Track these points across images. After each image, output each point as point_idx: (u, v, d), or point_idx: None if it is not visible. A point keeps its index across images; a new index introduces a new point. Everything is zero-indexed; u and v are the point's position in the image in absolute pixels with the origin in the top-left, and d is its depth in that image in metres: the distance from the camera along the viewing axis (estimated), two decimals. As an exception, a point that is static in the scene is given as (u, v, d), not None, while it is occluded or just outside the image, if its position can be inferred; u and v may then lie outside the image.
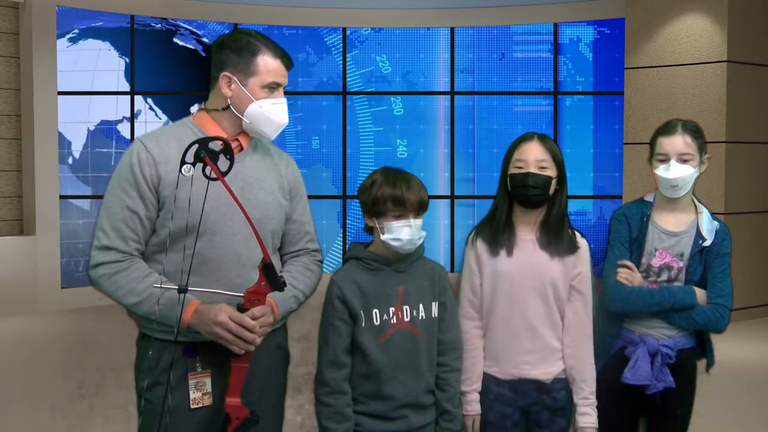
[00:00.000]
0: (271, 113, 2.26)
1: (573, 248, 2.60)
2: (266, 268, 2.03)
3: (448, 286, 2.54)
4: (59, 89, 7.71)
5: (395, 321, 2.42)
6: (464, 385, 2.56)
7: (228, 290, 2.15)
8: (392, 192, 2.38)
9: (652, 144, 2.77)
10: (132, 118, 8.18)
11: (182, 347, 2.19)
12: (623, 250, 2.76)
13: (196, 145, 2.02)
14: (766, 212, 7.49)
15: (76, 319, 7.15)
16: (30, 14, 7.50)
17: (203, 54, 8.45)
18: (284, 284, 2.06)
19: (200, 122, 2.29)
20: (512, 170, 2.59)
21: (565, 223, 2.62)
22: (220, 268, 2.20)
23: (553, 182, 2.58)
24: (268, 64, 2.26)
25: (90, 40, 7.99)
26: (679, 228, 2.76)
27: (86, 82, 8.01)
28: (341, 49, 8.74)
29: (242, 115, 2.25)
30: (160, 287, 2.09)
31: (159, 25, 8.29)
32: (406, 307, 2.43)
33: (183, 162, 2.02)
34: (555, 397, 2.59)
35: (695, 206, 2.79)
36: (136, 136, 7.55)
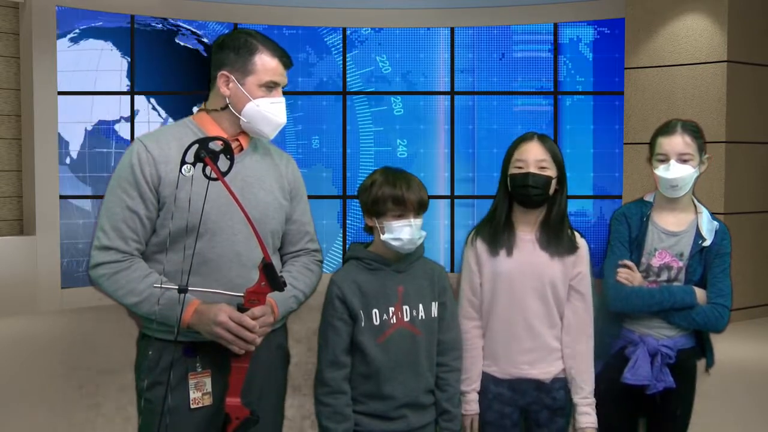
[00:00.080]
0: (269, 112, 2.26)
1: (573, 248, 2.60)
2: (266, 268, 2.03)
3: (448, 286, 2.54)
4: (61, 89, 7.71)
5: (395, 321, 2.42)
6: (463, 385, 2.56)
7: (228, 290, 2.15)
8: (392, 192, 2.39)
9: (652, 144, 2.77)
10: (132, 118, 8.18)
11: (182, 347, 2.19)
12: (623, 250, 2.76)
13: (196, 145, 2.02)
14: (766, 212, 7.48)
15: (76, 319, 7.14)
16: (30, 14, 7.49)
17: (204, 54, 8.45)
18: (284, 284, 2.06)
19: (200, 122, 2.29)
20: (512, 170, 2.59)
21: (565, 223, 2.63)
22: (220, 268, 2.20)
23: (553, 182, 2.58)
24: (265, 63, 2.26)
25: (92, 40, 7.98)
26: (679, 228, 2.76)
27: (89, 82, 8.01)
28: (341, 49, 8.74)
29: (240, 114, 2.25)
30: (160, 287, 2.09)
31: (160, 25, 8.29)
32: (405, 307, 2.44)
33: (183, 162, 2.02)
34: (554, 397, 2.60)
35: (695, 206, 2.80)
36: (136, 135, 7.54)
